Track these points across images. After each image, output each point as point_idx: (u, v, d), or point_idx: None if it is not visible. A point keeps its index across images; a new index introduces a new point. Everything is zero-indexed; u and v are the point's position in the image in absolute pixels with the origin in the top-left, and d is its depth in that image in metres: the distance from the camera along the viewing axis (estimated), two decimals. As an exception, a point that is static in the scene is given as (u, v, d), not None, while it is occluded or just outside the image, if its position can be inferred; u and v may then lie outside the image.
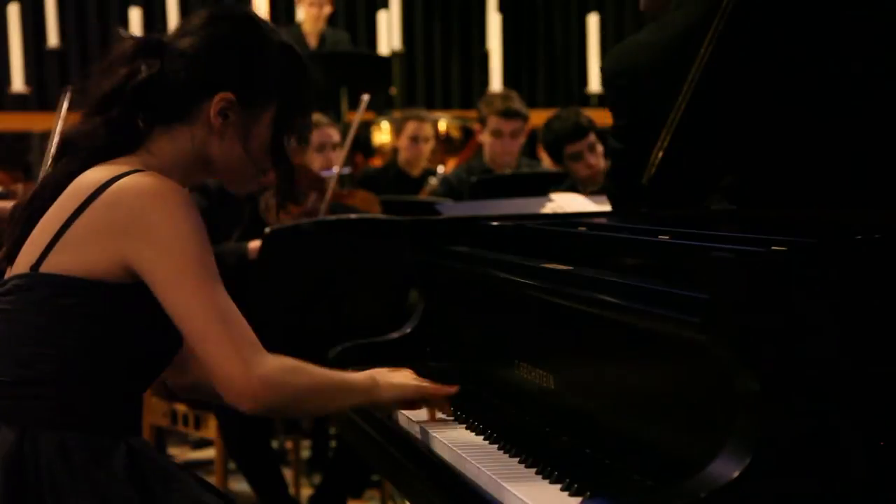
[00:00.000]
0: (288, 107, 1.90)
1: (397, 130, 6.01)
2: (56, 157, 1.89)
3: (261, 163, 1.91)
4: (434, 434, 1.90)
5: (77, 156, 1.85)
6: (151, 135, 1.87)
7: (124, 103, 1.84)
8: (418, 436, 1.97)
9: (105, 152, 1.84)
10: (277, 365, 1.76)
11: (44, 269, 1.78)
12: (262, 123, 1.88)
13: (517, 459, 1.72)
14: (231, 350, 1.72)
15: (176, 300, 1.74)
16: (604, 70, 2.53)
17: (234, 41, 1.87)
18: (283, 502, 3.81)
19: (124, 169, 1.79)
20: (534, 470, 1.66)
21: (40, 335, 1.76)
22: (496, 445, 1.81)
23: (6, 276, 1.85)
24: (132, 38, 1.90)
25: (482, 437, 1.87)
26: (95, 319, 1.77)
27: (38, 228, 1.82)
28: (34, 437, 1.74)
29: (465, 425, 1.95)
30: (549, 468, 1.64)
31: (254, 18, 1.93)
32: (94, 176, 1.79)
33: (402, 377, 1.97)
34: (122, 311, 1.77)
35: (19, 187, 3.52)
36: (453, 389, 1.98)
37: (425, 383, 1.97)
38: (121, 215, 1.74)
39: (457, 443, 1.84)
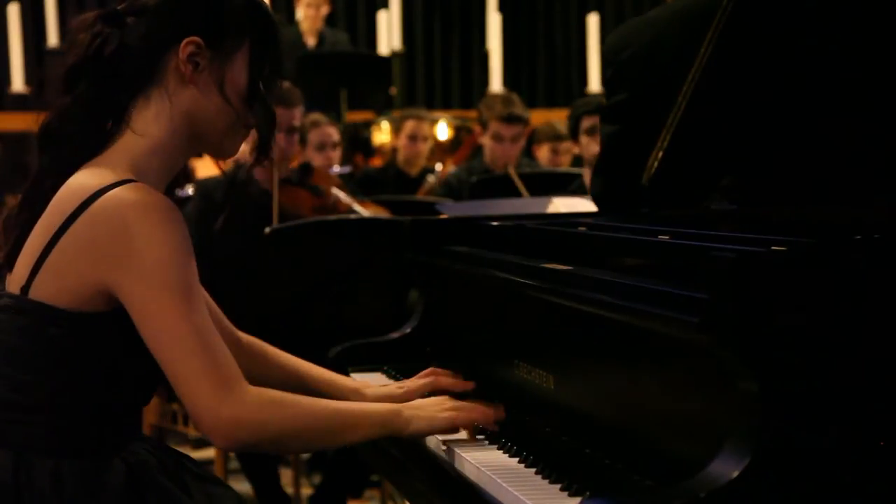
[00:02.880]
0: (260, 45, 1.83)
1: (396, 128, 6.02)
2: (40, 152, 1.82)
3: (241, 110, 1.82)
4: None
5: (62, 151, 1.79)
6: (131, 111, 1.80)
7: (92, 75, 1.78)
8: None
9: (89, 141, 1.78)
10: (255, 401, 1.70)
11: (32, 293, 1.73)
12: (237, 65, 1.81)
13: (517, 459, 1.72)
14: (205, 384, 1.67)
15: (150, 329, 1.68)
16: (606, 47, 2.49)
17: None
18: (277, 499, 3.81)
19: (110, 175, 1.72)
20: (533, 470, 1.66)
21: (31, 363, 1.73)
22: (496, 445, 1.81)
23: (5, 287, 1.81)
24: (90, 14, 1.84)
25: (482, 437, 1.87)
26: (83, 350, 1.73)
27: (29, 240, 1.77)
28: (29, 464, 1.71)
29: (464, 425, 1.94)
30: (549, 468, 1.64)
31: None
32: (80, 183, 1.73)
33: (433, 408, 1.82)
34: (110, 341, 1.73)
35: None
36: (499, 415, 1.83)
37: (460, 413, 1.81)
38: (101, 234, 1.69)
39: (454, 441, 1.83)
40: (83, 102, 1.79)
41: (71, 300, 1.71)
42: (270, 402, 1.72)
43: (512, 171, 5.00)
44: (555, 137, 5.57)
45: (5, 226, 1.83)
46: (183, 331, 1.67)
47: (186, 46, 1.78)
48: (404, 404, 1.84)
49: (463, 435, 1.84)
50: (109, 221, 1.68)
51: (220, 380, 1.68)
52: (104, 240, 1.69)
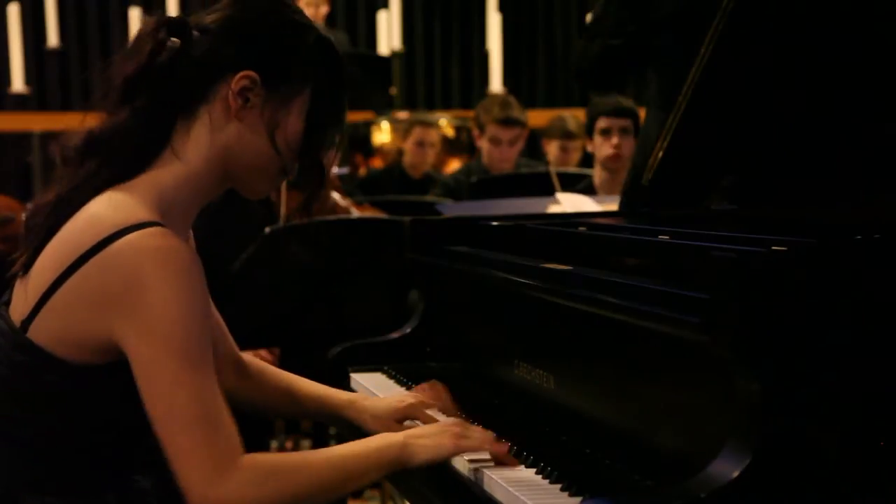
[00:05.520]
0: (322, 96, 1.71)
1: (404, 133, 6.04)
2: (81, 157, 1.69)
3: (287, 160, 1.71)
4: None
5: (105, 164, 1.67)
6: (175, 129, 1.69)
7: (151, 87, 1.67)
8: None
9: (135, 157, 1.67)
10: (247, 481, 1.56)
11: (31, 332, 1.64)
12: (292, 112, 1.69)
13: (517, 459, 1.72)
14: (193, 463, 1.55)
15: (150, 393, 1.57)
16: None
17: (264, 18, 1.71)
18: None
19: (133, 211, 1.61)
20: (533, 470, 1.66)
21: (21, 399, 1.66)
22: (496, 445, 1.81)
23: (14, 296, 1.71)
24: (153, 18, 1.71)
25: (482, 437, 1.87)
26: (78, 398, 1.64)
27: (42, 262, 1.65)
28: (16, 496, 1.65)
29: (464, 425, 1.94)
30: (549, 468, 1.64)
31: (288, 3, 1.76)
32: (100, 217, 1.61)
33: (438, 435, 1.70)
34: (107, 393, 1.65)
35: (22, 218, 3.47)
36: (504, 448, 1.70)
37: (465, 441, 1.69)
38: (112, 283, 1.57)
39: (457, 443, 1.83)
40: (140, 116, 1.68)
41: (70, 349, 1.63)
42: (265, 476, 1.58)
43: (552, 171, 4.92)
44: (564, 134, 5.47)
45: (28, 226, 1.72)
46: (182, 400, 1.56)
47: (240, 80, 1.66)
48: (407, 433, 1.72)
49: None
50: (123, 269, 1.57)
51: (212, 457, 1.56)
52: (115, 288, 1.58)
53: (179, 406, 1.56)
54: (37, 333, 1.64)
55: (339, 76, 1.75)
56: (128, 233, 1.58)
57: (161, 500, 1.75)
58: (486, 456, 1.71)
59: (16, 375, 1.66)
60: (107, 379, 1.64)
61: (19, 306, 1.68)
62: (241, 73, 1.67)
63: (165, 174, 1.68)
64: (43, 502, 1.65)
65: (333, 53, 1.75)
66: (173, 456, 1.56)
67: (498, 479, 1.63)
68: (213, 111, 1.68)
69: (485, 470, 1.68)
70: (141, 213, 1.62)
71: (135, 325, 1.56)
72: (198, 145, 1.69)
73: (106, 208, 1.63)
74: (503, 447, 1.70)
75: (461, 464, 1.76)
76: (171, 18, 1.71)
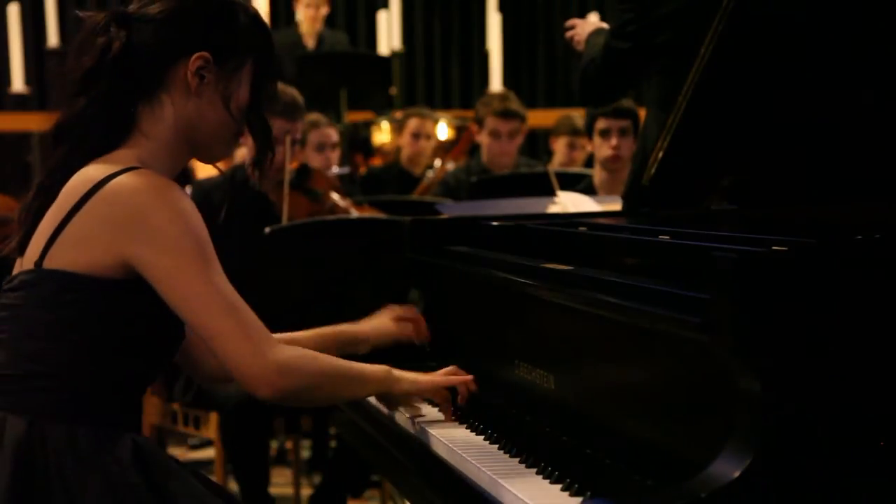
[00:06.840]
0: (262, 63, 1.93)
1: (400, 126, 6.03)
2: (52, 146, 1.89)
3: (241, 123, 1.94)
4: (434, 434, 1.90)
5: (76, 147, 1.86)
6: (139, 114, 1.88)
7: (107, 76, 1.85)
8: (418, 435, 1.97)
9: (102, 139, 1.86)
10: (291, 351, 1.82)
11: (47, 264, 1.80)
12: (241, 81, 1.91)
13: (517, 459, 1.72)
14: (242, 338, 1.77)
15: (179, 297, 1.77)
16: None
17: (203, 3, 1.91)
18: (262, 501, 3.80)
19: (120, 166, 1.80)
20: (534, 470, 1.66)
21: (48, 331, 1.79)
22: (496, 445, 1.81)
23: (14, 272, 1.87)
24: (97, 13, 1.90)
25: (482, 437, 1.87)
26: (100, 314, 1.79)
27: (41, 225, 1.84)
28: (42, 428, 1.76)
29: (465, 425, 1.95)
30: (549, 468, 1.64)
31: None
32: (90, 173, 1.81)
33: (416, 376, 1.99)
34: (125, 306, 1.80)
35: None
36: (467, 378, 2.00)
37: (439, 377, 1.99)
38: (118, 212, 1.77)
39: (457, 442, 1.84)
40: (99, 103, 1.86)
41: (87, 266, 1.78)
42: (303, 353, 1.85)
43: (550, 171, 4.92)
44: (573, 131, 5.52)
45: (19, 216, 1.89)
46: (210, 293, 1.77)
47: (196, 61, 1.86)
48: (389, 367, 1.97)
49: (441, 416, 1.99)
50: (123, 202, 1.77)
51: (256, 333, 1.79)
52: (120, 219, 1.77)
53: (210, 300, 1.77)
54: (52, 262, 1.80)
55: (270, 41, 1.98)
56: (116, 176, 1.79)
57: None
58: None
59: (39, 310, 1.80)
60: (124, 293, 1.79)
61: (28, 259, 1.83)
62: (196, 55, 1.87)
63: (140, 147, 1.87)
64: (70, 429, 1.77)
65: (263, 23, 1.98)
66: (224, 343, 1.77)
67: (500, 480, 1.63)
68: (172, 92, 1.88)
69: (487, 472, 1.68)
70: (127, 164, 1.82)
71: (146, 247, 1.76)
72: (164, 123, 1.89)
73: (94, 169, 1.82)
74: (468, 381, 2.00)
75: (465, 465, 1.76)
76: (115, 12, 1.89)
